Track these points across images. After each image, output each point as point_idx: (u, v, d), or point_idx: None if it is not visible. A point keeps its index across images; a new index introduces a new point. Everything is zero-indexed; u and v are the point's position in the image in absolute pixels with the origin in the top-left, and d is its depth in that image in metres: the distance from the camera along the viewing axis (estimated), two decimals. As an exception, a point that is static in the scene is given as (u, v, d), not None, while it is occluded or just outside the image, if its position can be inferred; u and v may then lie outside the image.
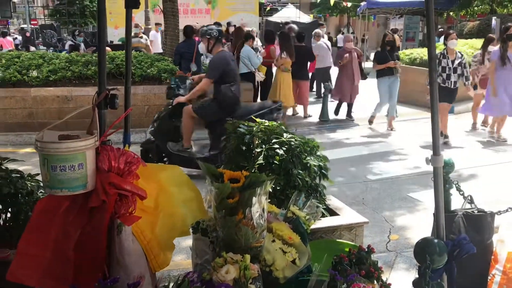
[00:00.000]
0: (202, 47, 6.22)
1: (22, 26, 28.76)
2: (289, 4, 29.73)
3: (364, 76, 9.74)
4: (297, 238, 2.26)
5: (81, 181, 1.79)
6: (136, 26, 12.57)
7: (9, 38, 21.06)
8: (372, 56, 10.34)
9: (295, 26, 11.08)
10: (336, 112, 9.57)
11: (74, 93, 8.02)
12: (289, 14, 26.37)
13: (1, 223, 2.59)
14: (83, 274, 1.83)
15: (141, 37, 12.32)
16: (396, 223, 4.49)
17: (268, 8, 28.31)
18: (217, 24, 10.74)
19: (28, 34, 22.65)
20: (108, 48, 11.15)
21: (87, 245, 1.83)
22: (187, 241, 3.46)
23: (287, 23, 13.04)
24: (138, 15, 16.28)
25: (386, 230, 4.32)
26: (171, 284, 1.84)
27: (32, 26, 29.42)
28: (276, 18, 26.29)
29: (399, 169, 6.28)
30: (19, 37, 27.00)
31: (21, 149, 7.33)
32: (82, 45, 15.05)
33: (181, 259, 3.62)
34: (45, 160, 1.76)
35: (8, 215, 2.60)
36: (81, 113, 2.06)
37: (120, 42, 16.73)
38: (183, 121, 5.73)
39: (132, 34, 12.07)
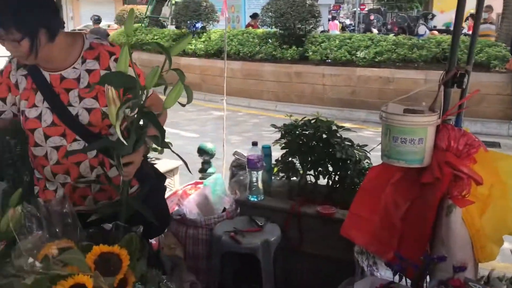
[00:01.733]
0: None
1: (354, 10, 30.86)
2: None
3: None
4: None
5: (418, 156, 1.82)
6: (488, 9, 10.41)
7: (336, 22, 22.83)
8: None
9: None
10: None
11: (396, 75, 8.22)
12: None
13: (330, 183, 2.89)
14: (405, 246, 1.89)
15: (491, 23, 10.34)
16: None
17: None
18: None
19: (372, 17, 23.80)
20: (435, 32, 10.93)
21: (414, 219, 1.87)
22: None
23: None
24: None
25: None
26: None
27: (361, 11, 31.25)
28: None
29: None
30: (347, 21, 29.11)
31: (341, 123, 7.98)
32: (425, 29, 14.27)
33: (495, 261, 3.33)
34: (387, 130, 1.85)
35: (337, 178, 2.88)
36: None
37: (444, 27, 16.13)
38: None
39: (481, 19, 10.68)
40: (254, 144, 2.84)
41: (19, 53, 1.58)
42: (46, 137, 1.71)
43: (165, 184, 2.13)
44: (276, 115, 8.78)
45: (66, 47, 1.69)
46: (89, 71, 1.71)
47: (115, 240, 1.34)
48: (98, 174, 1.75)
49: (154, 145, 2.57)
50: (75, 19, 27.43)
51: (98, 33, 10.68)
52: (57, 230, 1.35)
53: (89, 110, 1.69)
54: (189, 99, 1.44)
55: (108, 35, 12.17)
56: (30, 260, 1.20)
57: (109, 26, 22.77)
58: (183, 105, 1.45)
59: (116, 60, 1.71)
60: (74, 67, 1.71)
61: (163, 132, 1.43)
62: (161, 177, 2.05)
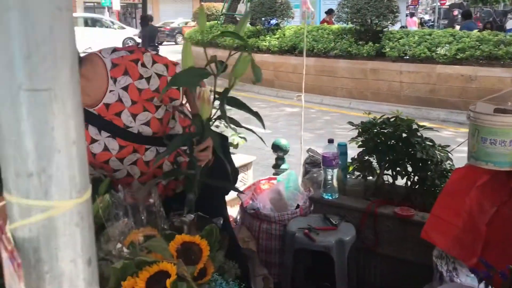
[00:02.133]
0: None
1: (433, 4, 29.59)
2: None
3: None
4: None
5: (509, 158, 1.72)
6: None
7: (415, 18, 21.89)
8: None
9: None
10: None
11: (479, 73, 7.78)
12: None
13: (409, 184, 2.79)
14: (491, 252, 1.79)
15: None
16: None
17: None
18: None
19: (455, 13, 22.69)
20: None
21: (502, 225, 1.77)
22: None
23: None
24: None
25: None
26: None
27: (440, 5, 29.88)
28: None
29: None
30: (425, 17, 27.90)
31: (419, 122, 7.69)
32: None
33: None
34: (475, 130, 1.76)
35: (416, 179, 2.78)
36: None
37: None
38: None
39: None
40: (330, 141, 2.81)
41: None
42: (121, 160, 1.75)
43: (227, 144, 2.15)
44: (349, 112, 8.63)
45: (90, 75, 1.62)
46: (125, 88, 1.65)
47: (196, 230, 1.38)
48: (179, 163, 1.82)
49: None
50: (154, 17, 28.54)
51: (149, 30, 11.76)
52: (142, 218, 1.41)
53: (147, 124, 1.71)
54: (258, 78, 1.42)
55: (158, 30, 13.67)
56: (118, 245, 1.27)
57: (186, 23, 23.62)
58: (254, 83, 1.46)
59: (142, 65, 1.66)
60: (110, 91, 1.65)
61: (256, 113, 1.48)
62: (223, 138, 2.04)
